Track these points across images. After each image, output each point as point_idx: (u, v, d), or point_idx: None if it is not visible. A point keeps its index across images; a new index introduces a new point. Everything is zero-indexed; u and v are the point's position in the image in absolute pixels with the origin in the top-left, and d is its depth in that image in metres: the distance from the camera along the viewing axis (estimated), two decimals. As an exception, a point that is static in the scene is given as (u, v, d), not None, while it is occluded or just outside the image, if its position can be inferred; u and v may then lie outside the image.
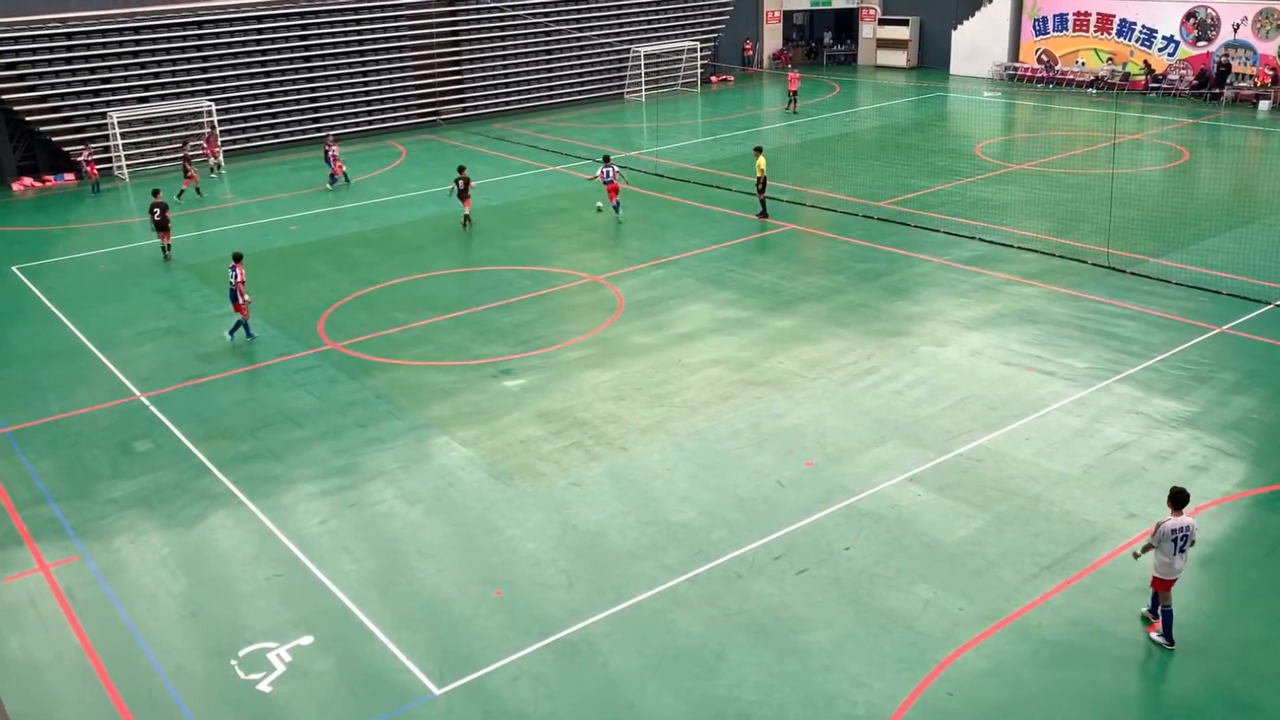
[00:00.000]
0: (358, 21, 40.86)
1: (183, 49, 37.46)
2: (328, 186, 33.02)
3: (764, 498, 14.58)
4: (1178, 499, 11.21)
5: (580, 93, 46.57)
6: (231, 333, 20.95)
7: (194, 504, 15.11)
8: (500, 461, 15.89)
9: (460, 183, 27.55)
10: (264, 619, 12.52)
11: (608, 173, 27.56)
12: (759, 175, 27.27)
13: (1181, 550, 11.16)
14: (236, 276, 20.38)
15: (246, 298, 20.58)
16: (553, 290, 23.28)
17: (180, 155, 33.70)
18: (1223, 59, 41.01)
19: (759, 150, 27.65)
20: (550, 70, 45.88)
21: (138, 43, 36.73)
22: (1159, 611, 11.48)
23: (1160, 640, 11.46)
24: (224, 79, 38.18)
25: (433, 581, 13.09)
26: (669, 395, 17.84)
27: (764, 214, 27.54)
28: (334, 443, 16.79)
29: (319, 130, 40.19)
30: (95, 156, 34.69)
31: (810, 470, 15.22)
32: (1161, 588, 11.38)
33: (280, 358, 20.05)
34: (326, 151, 33.16)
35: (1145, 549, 11.43)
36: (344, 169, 33.45)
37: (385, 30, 41.50)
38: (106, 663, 11.93)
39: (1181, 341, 18.93)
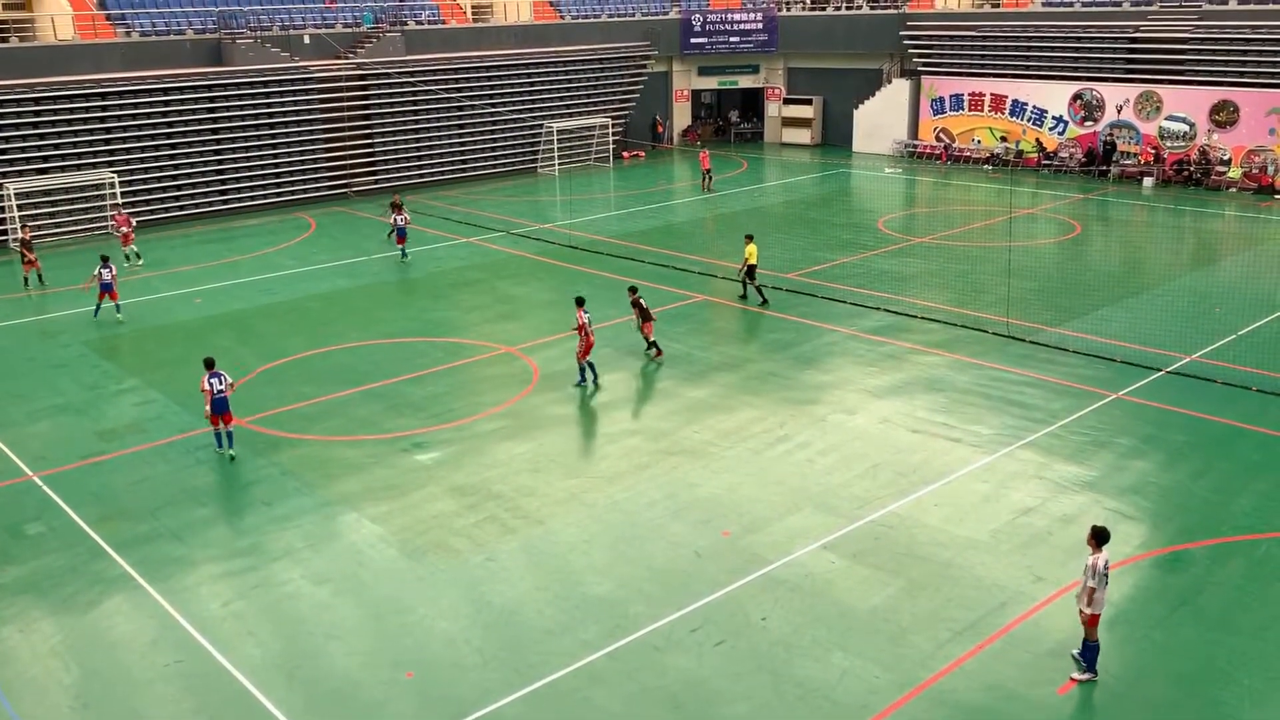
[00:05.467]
0: (266, 94, 40.60)
1: (85, 120, 36.70)
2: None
3: (681, 569, 14.51)
4: (1100, 536, 11.87)
5: (493, 166, 46.84)
6: (223, 445, 18.57)
7: (89, 589, 14.45)
8: (412, 538, 15.57)
9: (638, 307, 23.09)
10: (162, 709, 11.95)
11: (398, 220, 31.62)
12: (748, 262, 26.57)
13: (1107, 583, 11.88)
14: (226, 380, 18.34)
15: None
16: (466, 362, 23.12)
17: (19, 239, 30.94)
18: (1108, 138, 43.15)
19: (750, 238, 26.74)
20: (463, 143, 46.10)
21: (37, 113, 35.91)
22: (1086, 648, 11.95)
23: (1087, 676, 11.92)
24: (128, 150, 37.45)
25: (341, 665, 12.68)
26: (585, 466, 17.75)
27: (763, 301, 26.60)
28: (238, 522, 16.27)
29: (225, 202, 39.63)
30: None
31: (727, 540, 15.22)
32: (1094, 622, 11.88)
33: (182, 434, 19.45)
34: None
35: (1088, 597, 11.76)
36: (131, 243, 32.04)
37: (295, 102, 41.31)
38: (-11, 761, 11.24)
39: (1080, 408, 19.55)
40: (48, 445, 19.20)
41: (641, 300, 23.04)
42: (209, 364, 18.61)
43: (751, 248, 26.69)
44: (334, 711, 11.84)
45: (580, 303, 21.66)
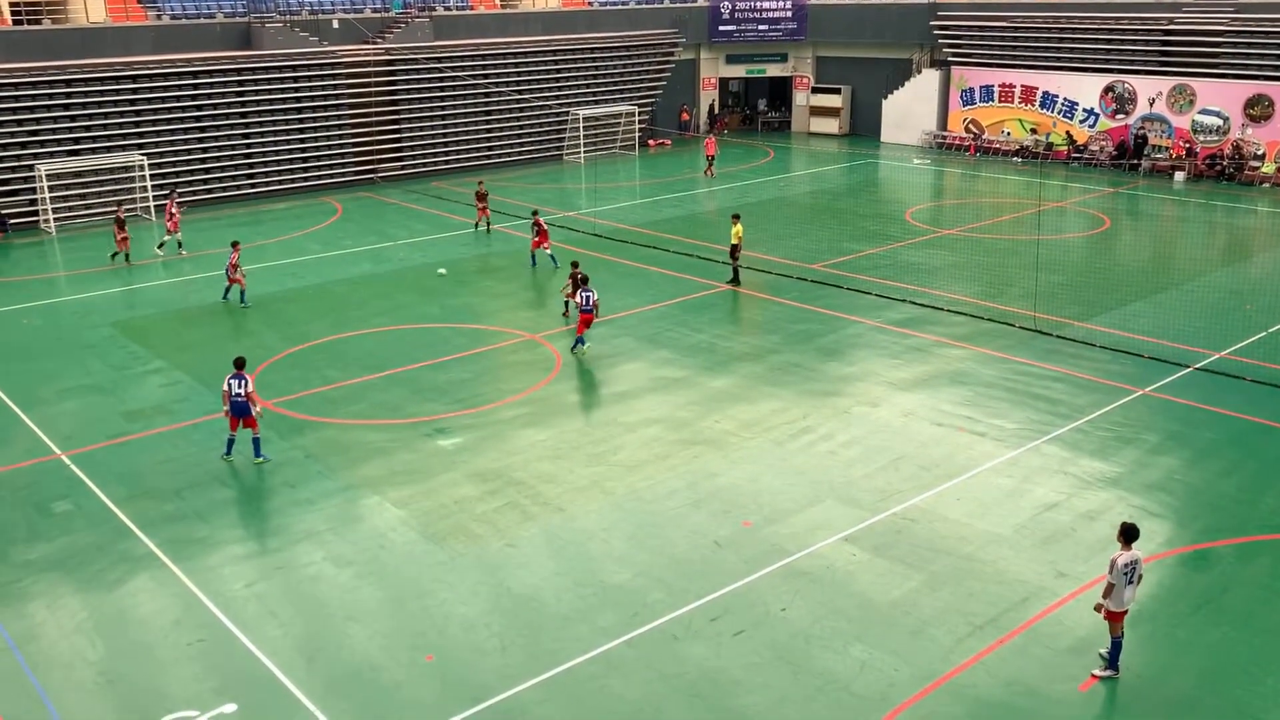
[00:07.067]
0: (295, 78, 40.76)
1: (115, 103, 36.99)
2: (157, 252, 31.79)
3: (701, 558, 14.52)
4: (1129, 534, 11.72)
5: (520, 153, 46.85)
6: (231, 453, 17.74)
7: (114, 567, 14.61)
8: (433, 523, 15.64)
9: (575, 280, 23.65)
10: (185, 686, 12.08)
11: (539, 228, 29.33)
12: (734, 242, 27.09)
13: (1131, 582, 11.65)
14: (247, 385, 17.23)
15: (258, 410, 17.58)
16: (489, 348, 23.18)
17: (116, 217, 31.06)
18: (1140, 131, 42.66)
19: (736, 217, 27.36)
20: (490, 130, 46.12)
21: (68, 95, 36.21)
22: (1111, 646, 11.87)
23: (1108, 673, 11.84)
24: (158, 134, 37.72)
25: (362, 647, 12.77)
26: (606, 454, 17.77)
27: (736, 281, 27.27)
28: (262, 504, 16.41)
29: (252, 185, 39.87)
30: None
31: (747, 530, 15.21)
32: (1115, 619, 11.77)
33: (207, 416, 19.59)
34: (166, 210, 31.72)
35: (1107, 592, 11.69)
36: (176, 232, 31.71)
37: (323, 86, 41.44)
38: (15, 735, 11.41)
39: (1107, 403, 19.38)
40: (76, 425, 19.41)
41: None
42: (238, 364, 17.65)
43: (738, 228, 27.10)
44: (354, 693, 11.93)
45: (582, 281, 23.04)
